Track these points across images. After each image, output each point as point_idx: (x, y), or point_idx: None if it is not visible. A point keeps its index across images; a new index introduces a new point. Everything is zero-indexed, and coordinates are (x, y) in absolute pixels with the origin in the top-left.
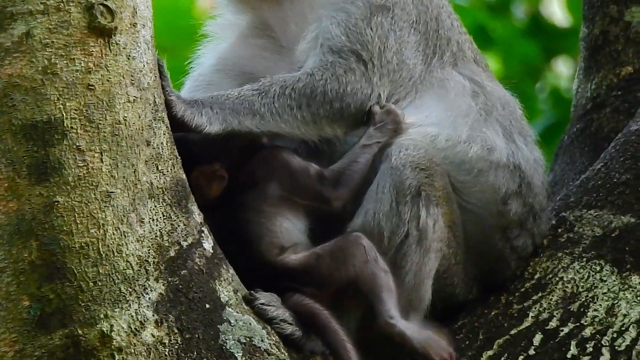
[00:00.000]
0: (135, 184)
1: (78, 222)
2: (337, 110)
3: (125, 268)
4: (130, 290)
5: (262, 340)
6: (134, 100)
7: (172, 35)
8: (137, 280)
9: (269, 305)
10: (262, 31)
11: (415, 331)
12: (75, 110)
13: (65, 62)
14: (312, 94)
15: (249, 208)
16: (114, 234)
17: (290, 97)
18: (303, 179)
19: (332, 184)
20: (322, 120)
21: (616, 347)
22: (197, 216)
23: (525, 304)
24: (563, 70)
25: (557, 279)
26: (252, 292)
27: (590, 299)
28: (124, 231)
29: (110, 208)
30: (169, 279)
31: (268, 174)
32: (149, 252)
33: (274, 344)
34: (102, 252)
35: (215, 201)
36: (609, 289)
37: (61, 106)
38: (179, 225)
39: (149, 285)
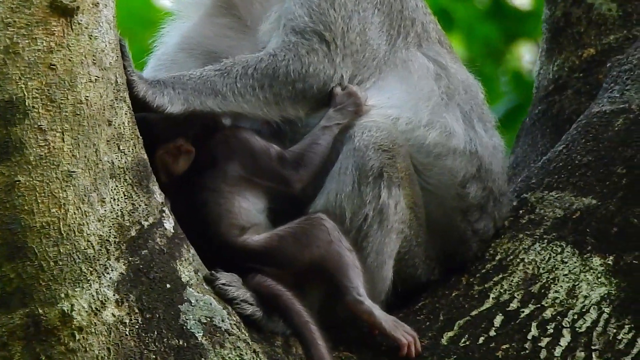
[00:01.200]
0: (97, 164)
1: (39, 201)
2: (299, 91)
3: (86, 247)
4: (91, 269)
5: (222, 321)
6: (95, 80)
7: (130, 22)
8: (98, 260)
9: (230, 286)
10: (226, 10)
11: (382, 312)
12: (37, 89)
13: (27, 41)
14: (275, 74)
15: (208, 188)
16: (75, 213)
17: (252, 77)
18: (263, 160)
19: (292, 166)
20: (285, 100)
21: (577, 329)
22: (158, 196)
23: (486, 285)
24: (524, 53)
25: (518, 260)
26: (212, 272)
27: (551, 281)
28: (85, 211)
29: (72, 187)
30: (130, 258)
31: (228, 154)
32: (110, 232)
33: (234, 324)
34: (63, 232)
35: (178, 180)
36: (569, 271)
37: (23, 85)
38: (140, 205)
39: (110, 264)
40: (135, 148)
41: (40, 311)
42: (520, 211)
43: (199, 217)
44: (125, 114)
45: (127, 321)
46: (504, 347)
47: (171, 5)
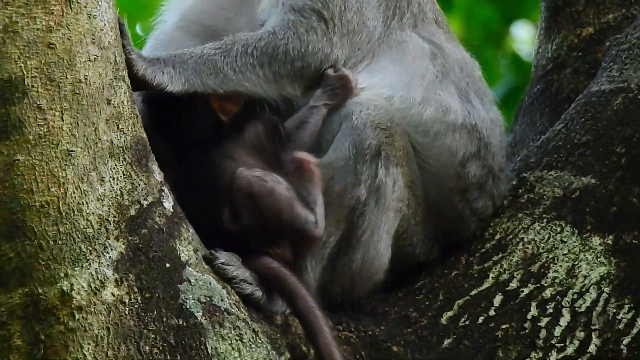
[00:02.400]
0: (96, 143)
1: (38, 180)
2: (297, 69)
3: (86, 227)
4: (91, 249)
5: (221, 300)
6: (94, 59)
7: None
8: (98, 239)
9: (229, 265)
10: None
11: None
12: (36, 68)
13: (26, 20)
14: (274, 52)
15: (227, 155)
16: (74, 192)
17: (252, 55)
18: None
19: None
20: (283, 79)
21: (576, 308)
22: (158, 175)
23: (485, 265)
24: (523, 35)
25: (517, 239)
26: (212, 251)
27: (551, 260)
28: (84, 190)
29: (71, 167)
30: (129, 237)
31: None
32: (109, 211)
33: (233, 303)
34: (62, 211)
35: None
36: (569, 250)
37: (22, 65)
38: (139, 184)
39: (109, 244)
40: (135, 127)
41: (40, 290)
42: (520, 190)
43: (208, 186)
44: (125, 93)
45: (127, 300)
46: (503, 326)
47: None
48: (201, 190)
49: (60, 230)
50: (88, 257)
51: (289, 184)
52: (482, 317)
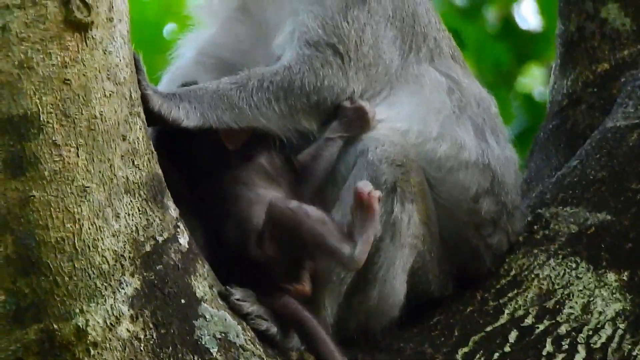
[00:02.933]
0: (111, 179)
1: (54, 216)
2: (313, 104)
3: (101, 263)
4: (106, 285)
5: (237, 336)
6: (110, 95)
7: (140, 48)
8: (113, 275)
9: (245, 301)
10: (242, 17)
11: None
12: (52, 104)
13: (41, 56)
14: (290, 87)
15: (240, 182)
16: (89, 228)
17: (268, 90)
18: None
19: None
20: (299, 113)
21: (592, 345)
22: (173, 211)
23: (500, 301)
24: (535, 75)
25: (532, 275)
26: (227, 287)
27: (566, 296)
28: (99, 226)
29: (86, 203)
30: (145, 274)
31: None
32: (124, 247)
33: (249, 339)
34: (77, 247)
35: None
36: (584, 286)
37: (37, 100)
38: (154, 220)
39: (125, 280)
40: (150, 163)
41: (55, 326)
42: (535, 226)
43: (223, 213)
44: (140, 129)
45: (142, 336)
46: None
47: (190, 13)
48: (217, 220)
49: (76, 266)
50: (103, 293)
51: (323, 214)
52: (497, 354)
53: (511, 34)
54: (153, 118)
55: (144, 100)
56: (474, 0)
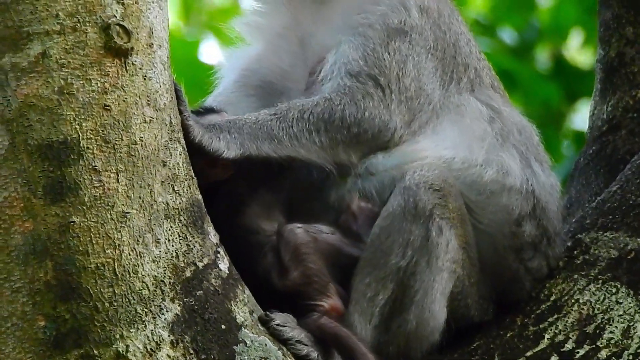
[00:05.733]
0: (152, 205)
1: (94, 242)
2: (354, 136)
3: (141, 288)
4: (146, 310)
5: None
6: (150, 120)
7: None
8: (153, 301)
9: (285, 326)
10: (287, 39)
11: None
12: (92, 130)
13: (81, 82)
14: (330, 118)
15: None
16: (129, 254)
17: (308, 121)
18: None
19: None
20: (339, 145)
21: None
22: (213, 237)
23: (541, 326)
24: (586, 114)
25: (572, 300)
26: (267, 312)
27: (606, 321)
28: (139, 251)
29: (126, 228)
30: (185, 299)
31: None
32: (164, 273)
33: None
34: (118, 273)
35: None
36: (624, 311)
37: (77, 126)
38: (194, 246)
39: (165, 305)
40: (190, 189)
41: (95, 352)
42: (575, 252)
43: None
44: (180, 154)
45: None
46: None
47: (234, 32)
48: (238, 254)
49: (116, 291)
50: (143, 319)
51: (332, 229)
52: None
53: (562, 72)
54: (194, 148)
55: (186, 130)
56: (525, 39)
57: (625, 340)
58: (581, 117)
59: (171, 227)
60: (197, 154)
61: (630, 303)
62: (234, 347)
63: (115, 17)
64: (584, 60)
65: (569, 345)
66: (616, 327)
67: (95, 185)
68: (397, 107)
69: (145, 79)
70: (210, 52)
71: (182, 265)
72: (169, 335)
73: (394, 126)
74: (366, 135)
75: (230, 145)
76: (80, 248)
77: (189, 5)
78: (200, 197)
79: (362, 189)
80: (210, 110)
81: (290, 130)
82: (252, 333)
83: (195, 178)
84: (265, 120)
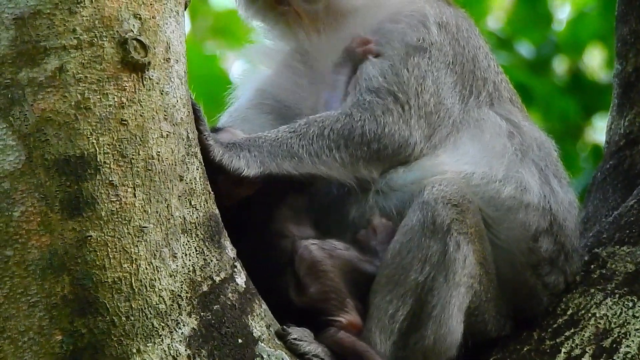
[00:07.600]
0: (168, 219)
1: (111, 256)
2: (374, 152)
3: (158, 303)
4: (163, 325)
5: None
6: (167, 135)
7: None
8: (170, 315)
9: (302, 341)
10: (301, 61)
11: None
12: (109, 145)
13: (98, 97)
14: (350, 134)
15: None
16: (146, 268)
17: (328, 137)
18: None
19: None
20: (359, 161)
21: None
22: (230, 251)
23: (557, 340)
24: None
25: (589, 315)
26: (284, 327)
27: (623, 335)
28: (156, 266)
29: (143, 243)
30: (202, 313)
31: None
32: (181, 287)
33: None
34: (134, 287)
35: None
36: None
37: (94, 141)
38: (211, 260)
39: (182, 320)
40: (207, 203)
41: None
42: (592, 266)
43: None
44: (197, 169)
45: None
46: None
47: (248, 55)
48: (258, 268)
49: (133, 306)
50: (160, 333)
51: (347, 245)
52: None
53: (580, 86)
54: (214, 168)
55: (205, 150)
56: (543, 53)
57: None
58: (598, 130)
59: (188, 241)
60: (217, 173)
61: None
62: None
63: (133, 31)
64: (603, 76)
65: None
66: (632, 341)
67: (112, 199)
68: (417, 122)
69: (162, 93)
70: (223, 58)
71: (199, 279)
72: (185, 350)
73: (414, 141)
74: (386, 151)
75: (250, 164)
76: (97, 262)
77: (195, 9)
78: (217, 211)
79: (382, 207)
80: (225, 130)
81: (311, 147)
82: (269, 347)
83: (212, 192)
84: (285, 138)
